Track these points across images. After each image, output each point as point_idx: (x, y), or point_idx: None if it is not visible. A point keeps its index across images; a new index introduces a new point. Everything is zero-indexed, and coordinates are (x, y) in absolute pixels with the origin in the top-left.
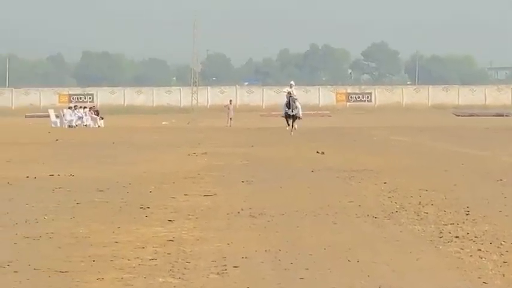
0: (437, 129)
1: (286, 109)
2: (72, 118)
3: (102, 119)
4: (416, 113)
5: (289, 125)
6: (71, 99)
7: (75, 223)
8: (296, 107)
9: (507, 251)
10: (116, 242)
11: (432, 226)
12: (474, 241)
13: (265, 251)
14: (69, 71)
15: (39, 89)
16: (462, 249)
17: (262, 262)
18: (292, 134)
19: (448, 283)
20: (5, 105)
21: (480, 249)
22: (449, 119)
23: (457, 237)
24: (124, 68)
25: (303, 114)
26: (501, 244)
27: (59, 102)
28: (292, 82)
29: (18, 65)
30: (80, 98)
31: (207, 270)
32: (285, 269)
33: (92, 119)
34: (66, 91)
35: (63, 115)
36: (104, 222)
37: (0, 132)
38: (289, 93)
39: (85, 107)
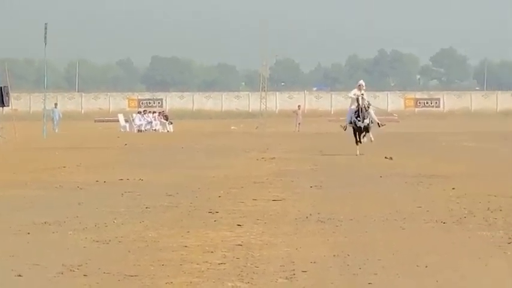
0: (507, 134)
1: (355, 119)
2: (141, 123)
3: (171, 123)
4: (485, 118)
5: (358, 140)
6: (140, 103)
7: (144, 227)
8: (368, 115)
9: None
10: (185, 246)
11: (501, 232)
12: None
13: (334, 255)
14: (139, 76)
15: (109, 93)
16: None
17: (331, 267)
18: (358, 154)
19: None
20: (74, 109)
21: None
22: None
23: None
24: (193, 73)
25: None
26: None
27: (128, 106)
28: (361, 82)
29: (87, 69)
30: (149, 103)
31: (276, 275)
32: (354, 274)
33: (161, 123)
34: (135, 96)
35: (133, 120)
36: (173, 226)
37: (70, 136)
38: (358, 97)
39: (154, 112)
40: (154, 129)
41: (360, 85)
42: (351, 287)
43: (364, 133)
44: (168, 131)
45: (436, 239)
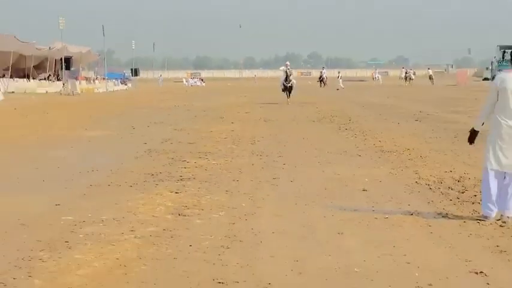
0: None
1: (284, 82)
2: (192, 82)
3: (204, 82)
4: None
5: (287, 96)
6: (191, 74)
7: (194, 123)
8: (291, 80)
9: (367, 135)
10: (211, 131)
11: (336, 124)
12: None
13: (270, 135)
14: (189, 63)
15: (179, 70)
16: (348, 134)
17: (270, 139)
18: (289, 103)
19: (343, 147)
20: (166, 76)
21: (355, 134)
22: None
23: (346, 129)
24: (212, 63)
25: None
26: (363, 132)
27: (186, 75)
28: (287, 62)
29: (176, 60)
30: (195, 74)
31: (247, 142)
32: (278, 142)
33: (200, 82)
34: (189, 71)
35: (188, 80)
36: (206, 123)
37: (165, 88)
38: (286, 71)
39: (196, 77)
40: (198, 85)
41: (286, 64)
42: (277, 146)
43: (289, 92)
44: (203, 86)
45: (310, 127)
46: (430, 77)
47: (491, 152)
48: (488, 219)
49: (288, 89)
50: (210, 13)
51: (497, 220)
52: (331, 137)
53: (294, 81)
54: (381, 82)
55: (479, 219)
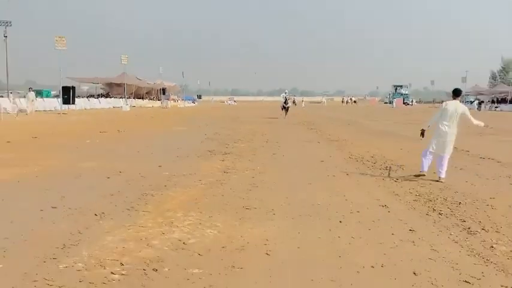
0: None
1: (283, 103)
2: (230, 102)
3: (236, 102)
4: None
5: (283, 113)
6: (228, 98)
7: (230, 124)
8: (288, 104)
9: (322, 131)
10: (240, 128)
11: (306, 126)
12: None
13: (271, 131)
14: (228, 91)
15: (222, 96)
16: (313, 131)
17: (271, 133)
18: (285, 118)
19: (309, 138)
20: (209, 99)
21: (316, 131)
22: (313, 104)
23: (312, 128)
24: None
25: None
26: (321, 130)
27: (227, 99)
28: (286, 91)
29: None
30: (231, 97)
31: (259, 134)
32: (276, 135)
33: (233, 102)
34: (228, 96)
35: (227, 101)
36: (237, 124)
37: (214, 105)
38: (285, 97)
39: (232, 100)
40: (232, 104)
41: (285, 91)
42: (276, 137)
43: (286, 111)
44: (235, 104)
45: (292, 128)
46: (355, 101)
47: (432, 141)
48: (423, 172)
49: (285, 109)
50: (241, 66)
51: (394, 178)
52: (304, 132)
53: (290, 105)
54: (325, 104)
55: (384, 177)
